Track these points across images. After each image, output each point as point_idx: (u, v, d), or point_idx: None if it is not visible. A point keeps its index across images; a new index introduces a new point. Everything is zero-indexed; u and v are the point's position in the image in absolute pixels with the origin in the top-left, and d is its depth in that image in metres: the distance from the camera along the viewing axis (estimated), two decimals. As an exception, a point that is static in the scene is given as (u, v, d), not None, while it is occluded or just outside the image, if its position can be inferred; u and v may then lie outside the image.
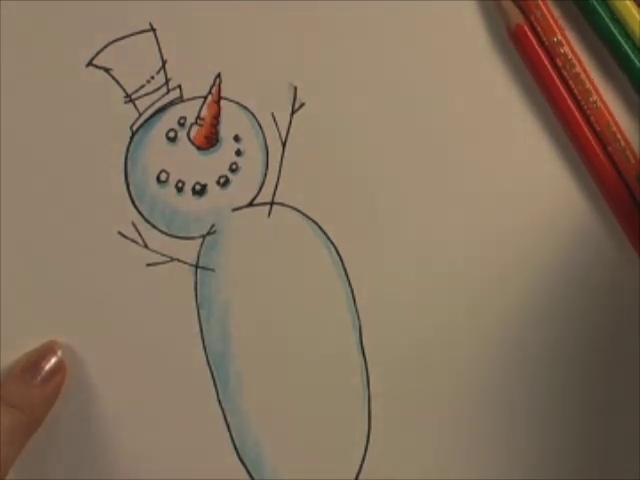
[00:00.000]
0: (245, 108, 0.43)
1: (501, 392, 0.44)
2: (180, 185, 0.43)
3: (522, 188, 0.43)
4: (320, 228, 0.43)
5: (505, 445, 0.44)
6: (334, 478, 0.44)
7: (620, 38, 0.42)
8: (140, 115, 0.43)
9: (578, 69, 0.42)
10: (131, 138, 0.43)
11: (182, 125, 0.43)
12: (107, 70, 0.43)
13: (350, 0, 0.43)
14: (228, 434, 0.43)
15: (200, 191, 0.43)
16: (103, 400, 0.43)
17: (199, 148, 0.43)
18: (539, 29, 0.42)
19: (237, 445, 0.43)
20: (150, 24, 0.43)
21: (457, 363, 0.44)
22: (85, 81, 0.43)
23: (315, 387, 0.44)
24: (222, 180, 0.43)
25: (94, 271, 0.43)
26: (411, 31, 0.44)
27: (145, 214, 0.43)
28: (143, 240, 0.43)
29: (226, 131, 0.43)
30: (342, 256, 0.43)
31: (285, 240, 0.43)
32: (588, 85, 0.42)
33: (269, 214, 0.43)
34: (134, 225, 0.43)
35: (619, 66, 0.43)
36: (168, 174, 0.43)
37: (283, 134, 0.43)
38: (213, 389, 0.43)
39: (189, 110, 0.43)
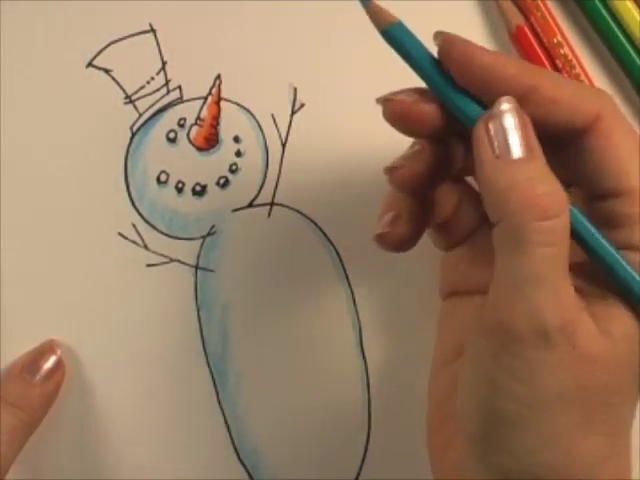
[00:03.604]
0: (245, 109, 0.43)
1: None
2: (180, 186, 0.43)
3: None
4: (320, 229, 0.43)
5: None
6: (334, 478, 0.44)
7: (620, 39, 0.42)
8: (140, 116, 0.43)
9: (578, 70, 0.42)
10: (131, 139, 0.43)
11: (182, 126, 0.43)
12: (107, 71, 0.43)
13: (350, 0, 0.43)
14: (228, 435, 0.43)
15: (200, 192, 0.43)
16: (102, 400, 0.43)
17: (199, 149, 0.43)
18: (539, 30, 0.42)
19: (237, 446, 0.43)
20: (150, 25, 0.43)
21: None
22: (85, 82, 0.43)
23: (315, 388, 0.44)
24: (222, 181, 0.43)
25: (94, 272, 0.43)
26: (412, 31, 0.44)
27: (145, 215, 0.43)
28: (143, 241, 0.43)
29: (226, 132, 0.43)
30: (341, 257, 0.43)
31: (285, 241, 0.43)
32: (588, 86, 0.42)
33: (269, 215, 0.43)
34: (134, 226, 0.43)
35: (619, 66, 0.43)
36: (168, 175, 0.43)
37: (283, 135, 0.43)
38: (213, 390, 0.43)
39: (189, 111, 0.43)
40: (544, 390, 0.31)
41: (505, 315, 0.31)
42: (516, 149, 0.32)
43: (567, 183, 0.33)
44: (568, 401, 0.31)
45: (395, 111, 0.34)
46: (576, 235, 0.32)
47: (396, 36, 0.34)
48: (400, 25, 0.34)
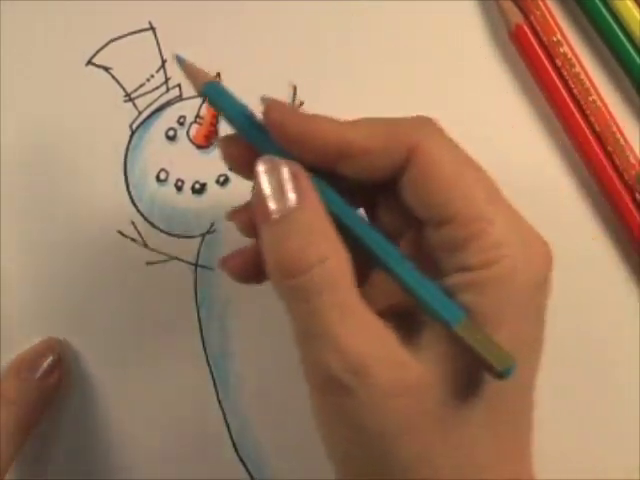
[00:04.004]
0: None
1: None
2: (180, 184, 0.43)
3: (521, 187, 0.43)
4: (319, 227, 0.43)
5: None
6: (334, 478, 0.44)
7: (620, 38, 0.42)
8: (140, 114, 0.43)
9: (578, 68, 0.42)
10: (130, 137, 0.43)
11: (181, 124, 0.43)
12: (106, 69, 0.43)
13: (350, 0, 0.43)
14: (228, 433, 0.43)
15: (200, 190, 0.43)
16: (102, 398, 0.43)
17: (198, 147, 0.43)
18: (539, 29, 0.42)
19: (237, 444, 0.43)
20: (150, 23, 0.43)
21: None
22: (85, 80, 0.43)
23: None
24: (222, 179, 0.43)
25: (94, 270, 0.43)
26: (411, 31, 0.44)
27: (145, 213, 0.43)
28: (143, 239, 0.43)
29: (226, 130, 0.43)
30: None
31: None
32: (587, 84, 0.42)
33: (268, 213, 0.43)
34: (133, 224, 0.43)
35: (619, 66, 0.43)
36: (168, 173, 0.43)
37: (282, 133, 0.43)
38: (213, 388, 0.43)
39: (188, 109, 0.43)
40: (367, 431, 0.31)
41: (304, 367, 0.32)
42: (271, 209, 0.32)
43: (412, 218, 0.33)
44: (395, 437, 0.31)
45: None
46: (382, 266, 0.32)
47: (212, 94, 0.35)
48: (215, 83, 0.35)
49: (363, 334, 0.31)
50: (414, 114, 0.43)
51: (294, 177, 0.32)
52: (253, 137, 0.34)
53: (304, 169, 0.32)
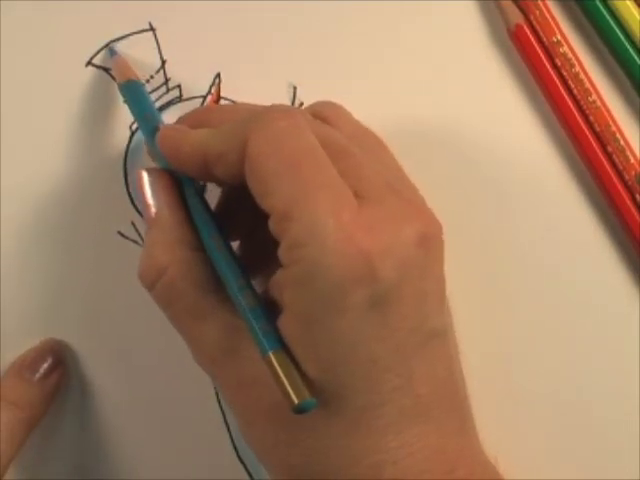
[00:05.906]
0: (244, 107, 0.43)
1: (503, 392, 0.44)
2: (180, 184, 0.43)
3: (520, 187, 0.43)
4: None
5: (510, 444, 0.44)
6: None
7: (620, 38, 0.42)
8: (140, 114, 0.43)
9: (577, 69, 0.42)
10: (130, 137, 0.43)
11: (181, 124, 0.43)
12: (106, 70, 0.43)
13: (350, 0, 0.43)
14: (228, 434, 0.43)
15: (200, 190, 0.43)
16: (102, 399, 0.43)
17: (198, 147, 0.43)
18: (539, 29, 0.42)
19: (237, 444, 0.43)
20: (150, 24, 0.43)
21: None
22: (84, 81, 0.43)
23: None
24: (222, 179, 0.43)
25: (94, 271, 0.43)
26: (411, 31, 0.44)
27: (145, 214, 0.43)
28: (143, 239, 0.43)
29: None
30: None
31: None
32: (587, 85, 0.42)
33: (268, 213, 0.43)
34: (133, 225, 0.43)
35: (619, 66, 0.43)
36: (167, 173, 0.43)
37: (282, 133, 0.43)
38: (213, 388, 0.43)
39: (189, 109, 0.43)
40: (229, 407, 0.36)
41: None
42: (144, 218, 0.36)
43: None
44: (246, 424, 0.35)
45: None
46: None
47: (129, 93, 0.39)
48: (136, 83, 0.39)
49: (214, 332, 0.34)
50: (414, 114, 0.43)
51: (151, 184, 0.36)
52: (152, 146, 0.37)
53: (167, 175, 0.36)
